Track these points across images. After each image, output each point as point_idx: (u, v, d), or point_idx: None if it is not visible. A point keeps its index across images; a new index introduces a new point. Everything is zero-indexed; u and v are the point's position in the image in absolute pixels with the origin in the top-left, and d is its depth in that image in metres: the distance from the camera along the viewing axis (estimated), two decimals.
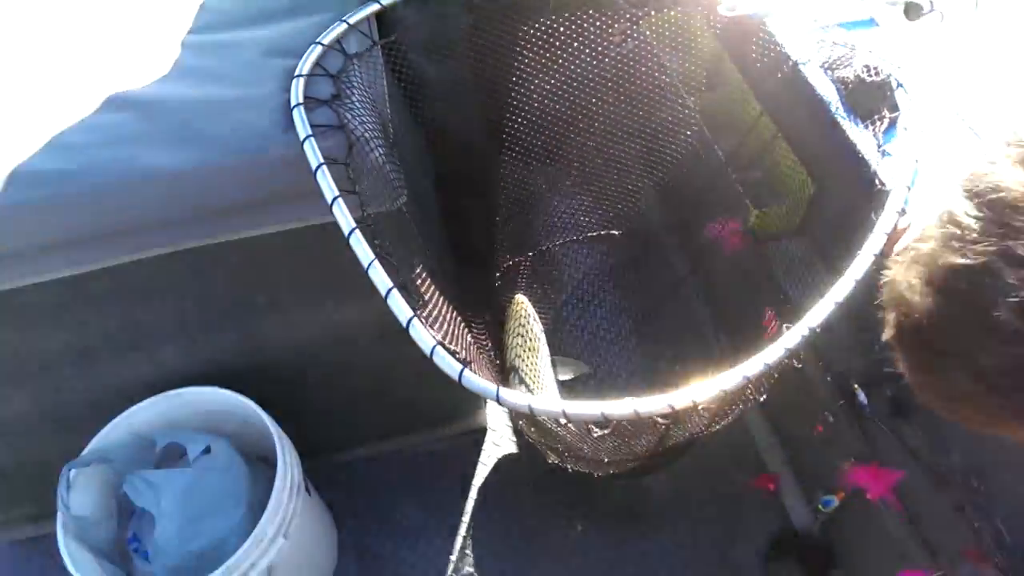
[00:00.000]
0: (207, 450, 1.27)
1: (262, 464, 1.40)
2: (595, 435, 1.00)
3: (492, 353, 1.43)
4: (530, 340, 1.48)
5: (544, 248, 1.67)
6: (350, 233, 0.81)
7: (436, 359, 0.74)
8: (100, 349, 1.17)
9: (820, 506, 1.50)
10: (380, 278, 0.78)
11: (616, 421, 0.73)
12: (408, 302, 0.77)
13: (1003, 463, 1.20)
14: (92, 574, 1.16)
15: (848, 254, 1.27)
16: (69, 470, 1.19)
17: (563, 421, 0.74)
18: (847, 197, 1.36)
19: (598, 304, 1.80)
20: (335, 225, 1.06)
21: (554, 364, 1.59)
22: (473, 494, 1.71)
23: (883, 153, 1.04)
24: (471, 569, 1.61)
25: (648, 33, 1.37)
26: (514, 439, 1.78)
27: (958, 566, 1.22)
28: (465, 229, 1.42)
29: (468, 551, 1.64)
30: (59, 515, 1.17)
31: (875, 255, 0.90)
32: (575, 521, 1.68)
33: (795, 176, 1.35)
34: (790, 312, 1.36)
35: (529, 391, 1.47)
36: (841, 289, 0.88)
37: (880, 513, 1.33)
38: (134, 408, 1.25)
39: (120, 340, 1.17)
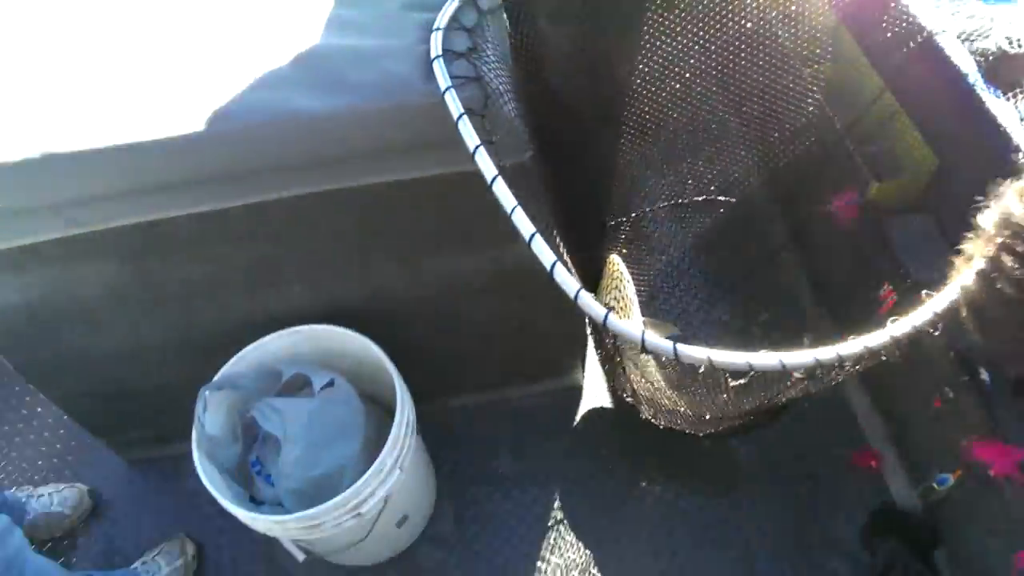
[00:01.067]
0: (330, 383, 1.34)
1: (371, 403, 1.47)
2: (711, 388, 1.01)
3: None
4: (622, 300, 1.49)
5: (647, 211, 1.67)
6: (493, 179, 0.83)
7: (581, 302, 0.76)
8: (233, 283, 1.25)
9: (935, 484, 1.46)
10: (523, 223, 0.80)
11: (759, 371, 0.74)
12: (552, 248, 0.79)
13: None
14: (222, 489, 1.26)
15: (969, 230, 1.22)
16: (206, 391, 1.28)
17: (702, 368, 0.75)
18: (978, 172, 1.30)
19: (692, 269, 1.79)
20: (462, 175, 1.10)
21: (644, 325, 1.59)
22: (567, 448, 1.75)
23: None
24: (561, 516, 1.66)
25: (763, 3, 1.33)
26: (608, 398, 1.80)
27: None
28: (570, 190, 1.43)
29: (558, 502, 1.69)
30: (195, 433, 1.26)
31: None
32: (664, 482, 1.69)
33: (915, 151, 1.31)
34: (909, 288, 1.32)
35: None
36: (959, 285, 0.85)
37: (998, 493, 1.29)
38: (263, 340, 1.33)
39: (252, 275, 1.24)
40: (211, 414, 1.31)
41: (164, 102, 0.99)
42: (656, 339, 0.74)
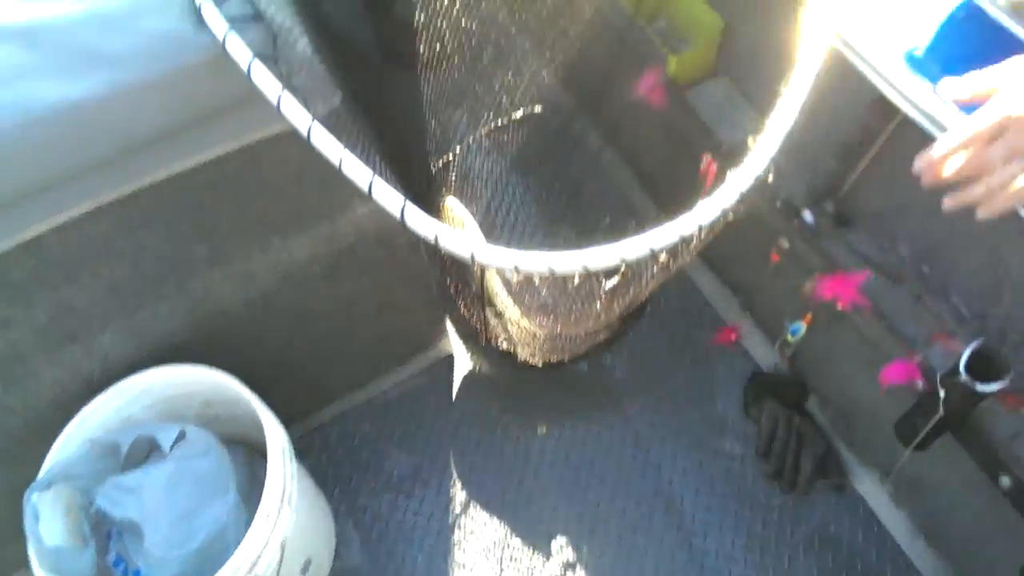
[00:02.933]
0: (181, 436, 1.14)
1: (235, 445, 1.29)
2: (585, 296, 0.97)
3: None
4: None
5: (470, 143, 1.61)
6: (309, 129, 0.70)
7: (444, 243, 0.66)
8: (30, 351, 1.02)
9: (788, 336, 1.56)
10: (357, 169, 0.68)
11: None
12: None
13: (947, 242, 1.28)
14: None
15: (766, 83, 1.29)
16: (31, 496, 1.04)
17: (546, 274, 0.68)
18: (761, 23, 1.38)
19: (526, 194, 1.77)
20: (271, 140, 0.97)
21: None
22: (456, 421, 1.66)
23: None
24: (467, 497, 1.58)
25: None
26: (481, 356, 1.74)
27: (931, 351, 1.30)
28: (387, 139, 1.34)
29: (461, 484, 1.60)
30: (31, 552, 1.03)
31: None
32: (558, 421, 1.67)
33: (702, 17, 1.36)
34: (727, 154, 1.38)
35: None
36: (784, 120, 0.86)
37: (849, 322, 1.40)
38: (84, 410, 1.11)
39: (51, 334, 1.02)
40: (46, 521, 1.07)
41: None
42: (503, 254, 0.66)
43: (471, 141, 1.49)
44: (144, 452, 1.19)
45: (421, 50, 1.39)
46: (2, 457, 1.14)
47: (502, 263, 0.68)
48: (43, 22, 0.80)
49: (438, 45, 1.40)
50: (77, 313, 1.02)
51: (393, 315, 1.42)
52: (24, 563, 1.03)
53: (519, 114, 1.51)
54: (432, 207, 1.41)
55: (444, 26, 1.34)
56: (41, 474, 1.08)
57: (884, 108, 1.13)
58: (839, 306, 1.39)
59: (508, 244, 0.68)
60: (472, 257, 0.68)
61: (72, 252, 0.93)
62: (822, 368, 1.64)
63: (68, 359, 1.08)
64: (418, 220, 0.68)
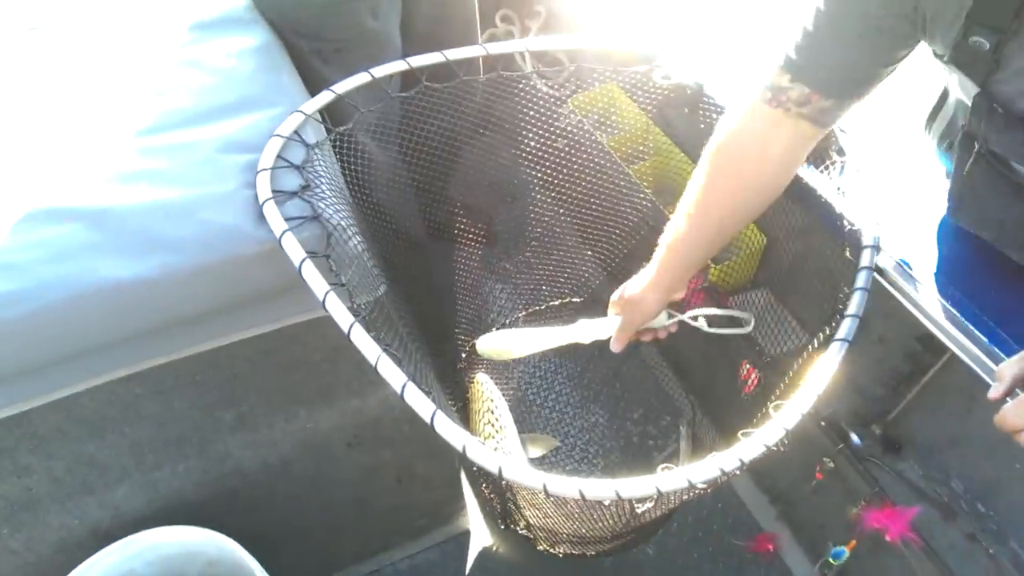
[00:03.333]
0: None
1: None
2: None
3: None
4: (497, 420, 1.42)
5: (506, 322, 1.64)
6: (350, 327, 0.73)
7: (471, 455, 0.66)
8: (43, 498, 1.03)
9: (830, 559, 1.45)
10: (392, 372, 0.71)
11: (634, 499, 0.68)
12: (426, 394, 0.70)
13: (1005, 483, 1.19)
14: None
15: (808, 298, 1.28)
16: None
17: (608, 501, 0.67)
18: (803, 243, 1.39)
19: (559, 375, 1.76)
20: (310, 323, 0.99)
21: (523, 442, 1.52)
22: None
23: (842, 194, 1.06)
24: None
25: (577, 111, 1.40)
26: (499, 537, 1.66)
27: None
28: (426, 315, 1.37)
29: None
30: None
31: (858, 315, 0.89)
32: None
33: (745, 232, 1.39)
34: (768, 364, 1.36)
35: None
36: (830, 361, 0.86)
37: (895, 555, 1.30)
38: (84, 565, 1.09)
39: (67, 484, 1.02)
40: None
41: None
42: (559, 484, 0.65)
43: (507, 322, 1.51)
44: None
45: (471, 230, 1.45)
46: None
47: (530, 483, 0.67)
48: (112, 207, 0.86)
49: (488, 226, 1.46)
50: (96, 467, 1.03)
51: (412, 488, 1.38)
52: None
53: (559, 302, 1.54)
54: (463, 381, 1.42)
55: (499, 209, 1.41)
56: None
57: (934, 341, 1.09)
58: (886, 537, 1.29)
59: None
60: (499, 472, 0.67)
61: (101, 411, 0.95)
62: None
63: (79, 509, 1.07)
64: (447, 429, 0.69)
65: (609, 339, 1.12)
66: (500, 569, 1.62)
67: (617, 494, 0.66)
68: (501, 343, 1.18)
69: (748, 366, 1.41)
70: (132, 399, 0.96)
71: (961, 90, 0.80)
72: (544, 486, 0.66)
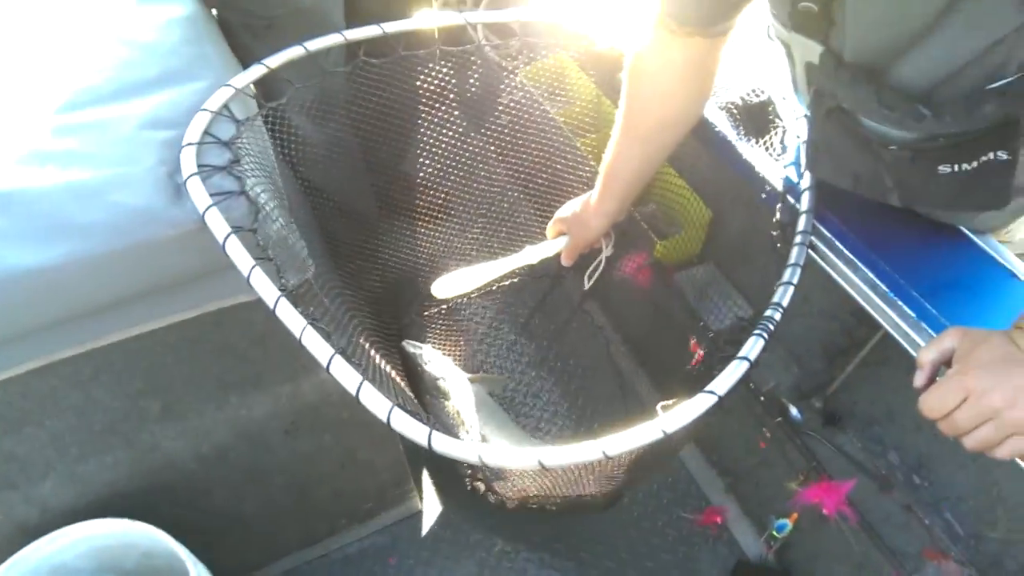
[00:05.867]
0: None
1: None
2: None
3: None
4: (443, 380, 1.41)
5: (463, 299, 1.62)
6: (276, 301, 0.71)
7: (395, 423, 0.65)
8: None
9: (774, 531, 1.47)
10: (317, 345, 0.69)
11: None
12: (355, 367, 0.68)
13: (938, 455, 1.22)
14: None
15: (752, 272, 1.28)
16: None
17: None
18: (747, 217, 1.39)
19: (505, 346, 1.74)
20: (236, 308, 0.96)
21: (478, 381, 1.51)
22: None
23: (783, 165, 1.06)
24: None
25: (527, 82, 1.38)
26: (451, 511, 1.65)
27: (922, 568, 1.22)
28: (371, 292, 1.34)
29: None
30: None
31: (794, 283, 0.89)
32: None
33: (689, 205, 1.38)
34: (713, 339, 1.36)
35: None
36: (771, 319, 0.86)
37: (835, 527, 1.32)
38: (13, 559, 1.05)
39: None
40: None
41: None
42: (491, 453, 0.64)
43: (466, 298, 1.50)
44: None
45: (421, 204, 1.43)
46: None
47: (462, 455, 0.67)
48: (17, 189, 0.81)
49: (439, 200, 1.44)
50: (17, 461, 0.99)
51: (356, 473, 1.37)
52: None
53: (508, 282, 1.52)
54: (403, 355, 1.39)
55: (447, 183, 1.38)
56: None
57: (868, 317, 1.11)
58: (824, 511, 1.32)
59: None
60: (428, 443, 0.66)
61: (15, 404, 0.91)
62: (811, 566, 1.54)
63: (3, 504, 1.03)
64: (372, 400, 0.68)
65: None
66: (455, 546, 1.62)
67: (572, 462, 0.67)
68: (455, 282, 1.21)
69: (693, 340, 1.41)
70: (48, 391, 0.92)
71: (808, 53, 0.86)
72: (479, 456, 0.66)
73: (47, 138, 0.89)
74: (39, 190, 0.82)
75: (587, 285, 1.30)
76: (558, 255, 1.21)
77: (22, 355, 0.86)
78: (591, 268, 1.29)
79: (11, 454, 0.97)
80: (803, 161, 1.01)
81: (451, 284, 1.21)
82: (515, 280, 1.59)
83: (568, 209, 1.18)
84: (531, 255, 1.19)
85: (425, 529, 1.63)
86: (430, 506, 1.67)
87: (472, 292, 1.20)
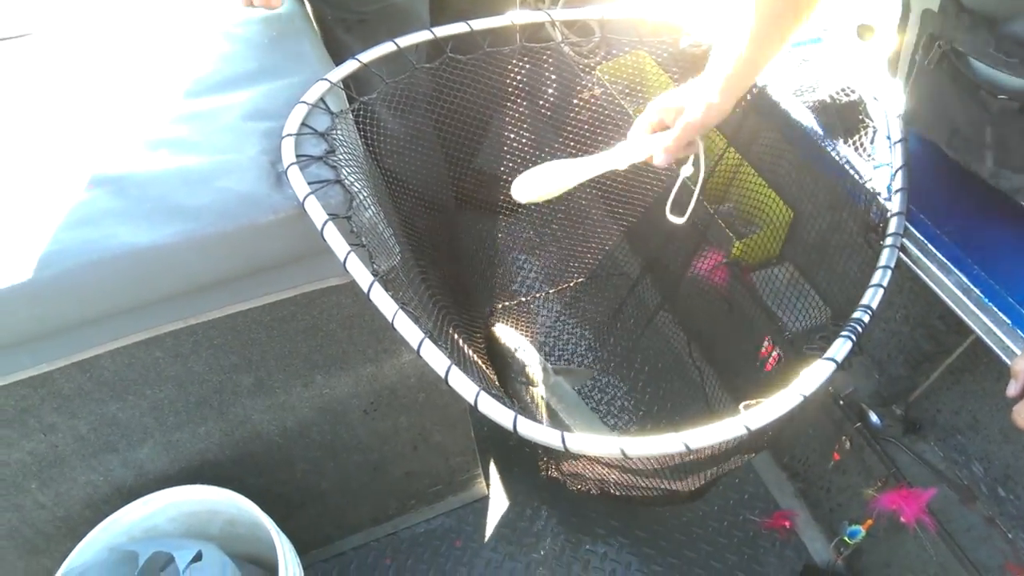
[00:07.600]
0: (198, 557, 1.14)
1: (251, 566, 1.27)
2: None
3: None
4: (526, 367, 1.42)
5: (537, 296, 1.64)
6: (370, 285, 0.74)
7: (482, 406, 0.67)
8: (68, 456, 1.06)
9: (846, 538, 1.44)
10: (409, 329, 0.72)
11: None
12: (442, 351, 0.70)
13: None
14: None
15: (834, 276, 1.25)
16: None
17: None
18: (831, 217, 1.36)
19: (577, 345, 1.76)
20: (327, 291, 1.00)
21: (560, 372, 1.51)
22: (480, 570, 1.60)
23: (874, 166, 1.04)
24: None
25: (605, 79, 1.38)
26: (517, 500, 1.68)
27: None
28: (447, 281, 1.37)
29: None
30: None
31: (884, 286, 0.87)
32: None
33: (769, 204, 1.36)
34: (788, 340, 1.34)
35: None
36: (859, 320, 0.84)
37: (911, 536, 1.29)
38: (111, 518, 1.12)
39: (91, 443, 1.06)
40: None
41: None
42: (576, 440, 0.66)
43: (538, 295, 1.52)
44: (160, 566, 1.18)
45: (492, 197, 1.45)
46: (27, 546, 1.17)
47: (545, 439, 0.68)
48: (133, 174, 0.87)
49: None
50: (119, 426, 1.05)
51: (428, 455, 1.40)
52: None
53: (583, 279, 1.54)
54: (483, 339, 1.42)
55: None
56: (58, 574, 1.09)
57: (959, 321, 1.07)
58: (902, 519, 1.28)
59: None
60: (514, 426, 0.68)
61: (122, 373, 0.97)
62: (882, 574, 1.51)
63: (104, 467, 1.11)
64: (460, 383, 0.70)
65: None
66: (516, 533, 1.64)
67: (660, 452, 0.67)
68: (535, 182, 1.06)
69: (769, 341, 1.39)
70: (152, 362, 0.98)
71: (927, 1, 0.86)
72: (563, 441, 0.67)
73: (160, 126, 0.96)
74: (152, 174, 0.88)
75: (668, 209, 1.14)
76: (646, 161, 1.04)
77: (131, 327, 0.91)
78: (674, 189, 1.13)
79: (114, 419, 1.04)
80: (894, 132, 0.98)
81: (531, 185, 1.06)
82: (585, 280, 1.60)
83: (672, 99, 0.99)
84: (620, 157, 1.03)
85: (491, 515, 1.66)
86: (496, 493, 1.70)
87: (553, 195, 1.08)
